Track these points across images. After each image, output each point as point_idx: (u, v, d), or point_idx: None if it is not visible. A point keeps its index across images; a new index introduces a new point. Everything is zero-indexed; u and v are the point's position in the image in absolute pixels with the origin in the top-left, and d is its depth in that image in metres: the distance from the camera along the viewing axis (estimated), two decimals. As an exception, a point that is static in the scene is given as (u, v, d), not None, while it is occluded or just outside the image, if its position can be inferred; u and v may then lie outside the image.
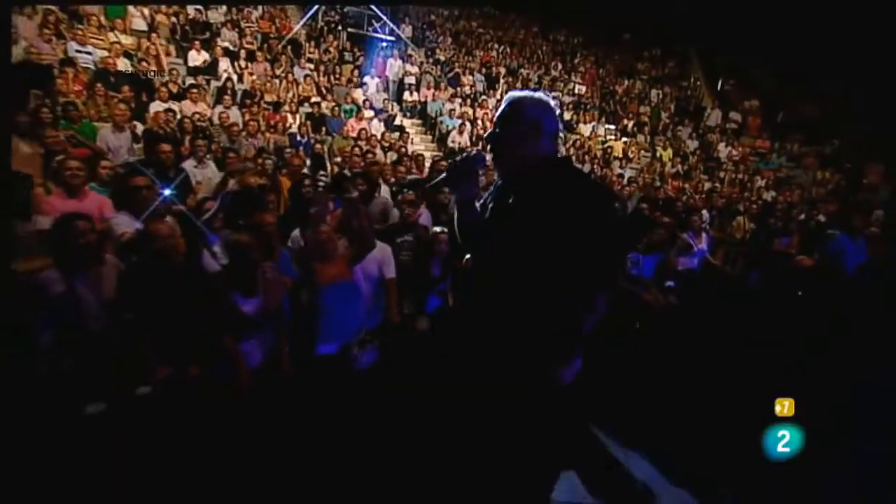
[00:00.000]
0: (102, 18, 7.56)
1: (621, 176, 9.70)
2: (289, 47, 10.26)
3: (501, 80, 12.26)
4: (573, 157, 10.08)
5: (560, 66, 13.59)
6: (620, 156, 11.19)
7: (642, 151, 11.70)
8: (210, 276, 2.47)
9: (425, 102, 10.60)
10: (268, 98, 8.28)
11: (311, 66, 10.07)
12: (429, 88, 10.78)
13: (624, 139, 11.90)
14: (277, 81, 8.94)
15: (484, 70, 12.27)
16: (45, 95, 5.28)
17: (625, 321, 3.89)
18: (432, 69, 11.45)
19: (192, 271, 2.45)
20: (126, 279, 2.45)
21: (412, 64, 11.40)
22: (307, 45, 10.72)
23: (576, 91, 12.97)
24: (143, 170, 4.17)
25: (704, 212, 6.50)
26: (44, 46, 6.23)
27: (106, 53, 6.96)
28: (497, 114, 1.71)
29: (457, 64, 11.95)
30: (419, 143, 9.81)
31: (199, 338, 2.37)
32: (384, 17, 12.10)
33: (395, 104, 10.27)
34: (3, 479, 1.90)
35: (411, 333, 3.11)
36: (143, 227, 2.62)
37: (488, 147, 1.74)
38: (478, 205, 1.70)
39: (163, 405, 2.30)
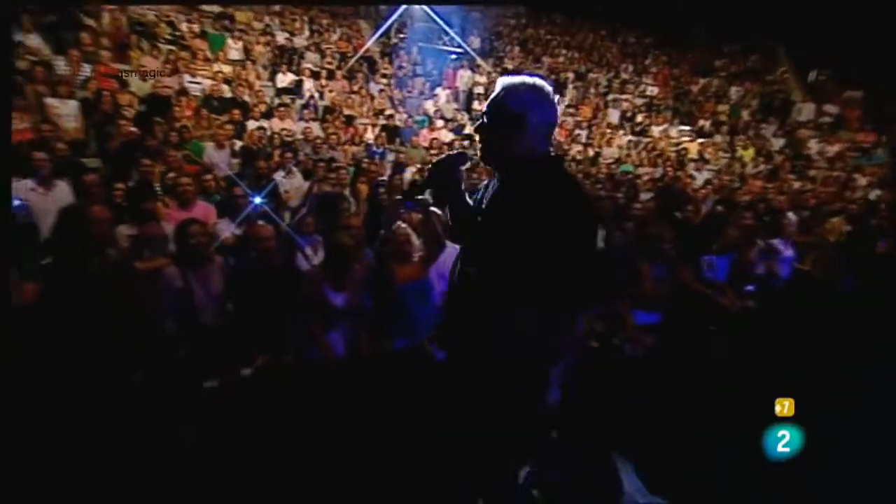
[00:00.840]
0: (208, 52, 8.54)
1: (692, 177, 9.28)
2: (364, 64, 10.92)
3: (570, 86, 12.20)
4: (643, 160, 9.82)
5: (631, 68, 13.25)
6: (696, 157, 10.70)
7: (720, 152, 11.10)
8: (303, 274, 2.80)
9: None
10: (346, 112, 8.87)
11: (385, 81, 10.64)
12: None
13: (700, 140, 11.36)
14: (355, 97, 9.55)
15: (552, 76, 12.26)
16: (166, 122, 6.10)
17: (700, 324, 3.81)
18: (500, 78, 11.64)
19: (288, 269, 2.79)
20: (231, 276, 2.85)
21: (481, 74, 11.67)
22: (381, 61, 11.34)
23: (647, 93, 12.59)
24: (240, 182, 4.74)
25: (791, 214, 6.11)
26: (165, 80, 7.19)
27: (211, 82, 7.85)
28: (487, 101, 1.55)
29: (525, 71, 12.04)
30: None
31: (292, 328, 2.70)
32: (451, 31, 12.52)
33: (464, 114, 10.57)
34: (138, 445, 2.27)
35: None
36: (245, 230, 3.03)
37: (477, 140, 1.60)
38: (471, 201, 1.61)
39: (262, 386, 2.65)
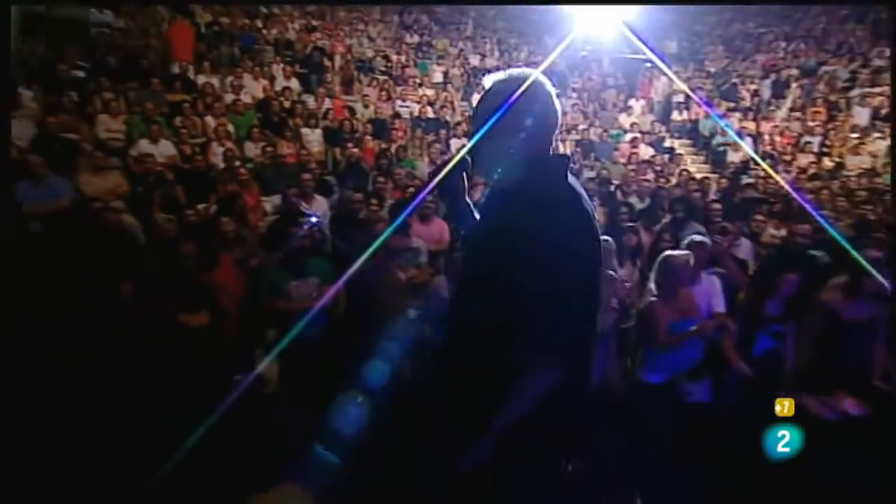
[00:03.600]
0: (417, 78, 9.41)
1: None
2: (553, 79, 10.86)
3: (793, 84, 10.41)
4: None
5: (887, 52, 10.70)
6: None
7: None
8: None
9: (696, 120, 9.77)
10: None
11: (576, 95, 10.43)
12: (711, 105, 9.91)
13: None
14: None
15: (768, 77, 10.63)
16: (386, 143, 6.84)
17: None
18: (704, 83, 10.51)
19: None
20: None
21: (680, 81, 10.69)
22: (570, 75, 11.17)
23: (911, 85, 10.03)
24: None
25: None
26: (383, 106, 8.09)
27: (418, 105, 8.59)
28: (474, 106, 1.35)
29: (734, 73, 10.69)
30: (690, 165, 9.08)
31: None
32: (639, 38, 11.74)
33: (662, 125, 9.79)
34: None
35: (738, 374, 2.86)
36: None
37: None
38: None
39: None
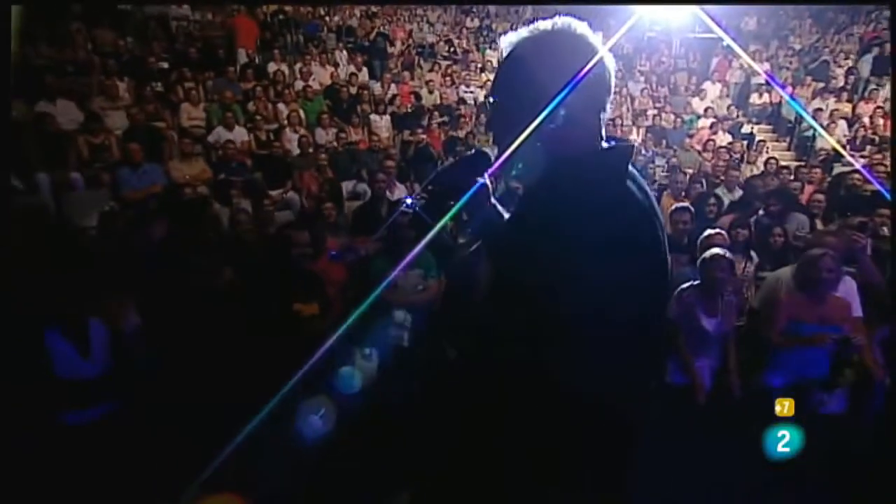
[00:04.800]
0: (479, 63, 9.22)
1: None
2: (620, 62, 10.38)
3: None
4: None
5: None
6: None
7: None
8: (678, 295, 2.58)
9: (779, 104, 9.07)
10: (608, 115, 8.52)
11: (643, 79, 9.92)
12: (785, 87, 9.19)
13: None
14: (614, 97, 9.12)
15: (873, 50, 9.63)
16: (451, 128, 6.75)
17: None
18: (789, 62, 9.72)
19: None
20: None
21: (759, 62, 9.94)
22: (637, 57, 10.63)
23: None
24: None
25: None
26: (447, 91, 7.99)
27: (482, 90, 8.42)
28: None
29: (826, 49, 9.81)
30: (771, 153, 8.45)
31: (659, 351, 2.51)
32: (711, 18, 10.96)
33: (738, 109, 9.15)
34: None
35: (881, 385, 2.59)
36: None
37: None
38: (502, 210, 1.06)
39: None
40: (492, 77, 0.97)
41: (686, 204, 3.61)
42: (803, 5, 11.45)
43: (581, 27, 0.88)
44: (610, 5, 10.03)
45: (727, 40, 9.36)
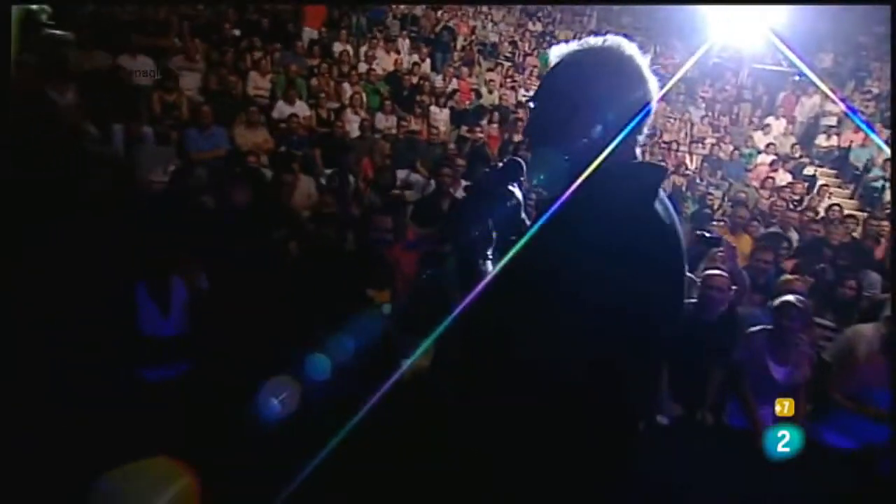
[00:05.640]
0: (537, 68, 9.15)
1: None
2: (682, 86, 10.14)
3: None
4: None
5: None
6: None
7: None
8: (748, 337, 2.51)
9: (847, 148, 8.72)
10: (666, 138, 8.35)
11: (704, 106, 9.69)
12: (856, 132, 8.82)
13: None
14: (673, 121, 8.94)
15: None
16: (507, 131, 6.72)
17: None
18: (865, 106, 9.33)
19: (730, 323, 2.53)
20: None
21: (832, 101, 9.57)
22: (701, 83, 10.37)
23: None
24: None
25: None
26: (507, 93, 7.96)
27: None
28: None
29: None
30: (833, 199, 8.14)
31: (719, 390, 2.45)
32: (787, 48, 10.59)
33: (803, 149, 8.83)
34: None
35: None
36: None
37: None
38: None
39: (672, 439, 2.46)
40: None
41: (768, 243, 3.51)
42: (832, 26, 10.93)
43: (630, 48, 0.90)
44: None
45: (805, 70, 9.04)
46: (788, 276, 2.72)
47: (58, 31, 4.82)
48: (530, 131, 1.00)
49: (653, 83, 0.91)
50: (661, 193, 0.90)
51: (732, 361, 2.43)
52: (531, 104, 0.97)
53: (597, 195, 0.83)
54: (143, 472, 1.65)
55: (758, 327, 2.45)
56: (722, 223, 5.25)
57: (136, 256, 1.89)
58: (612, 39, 0.91)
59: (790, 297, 2.45)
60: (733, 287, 2.54)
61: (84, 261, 1.57)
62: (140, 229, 2.00)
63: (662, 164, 0.93)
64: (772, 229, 4.61)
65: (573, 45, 0.93)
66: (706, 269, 2.74)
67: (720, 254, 2.83)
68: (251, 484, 1.62)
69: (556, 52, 0.94)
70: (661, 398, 2.49)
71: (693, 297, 2.49)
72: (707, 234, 2.96)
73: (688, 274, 0.94)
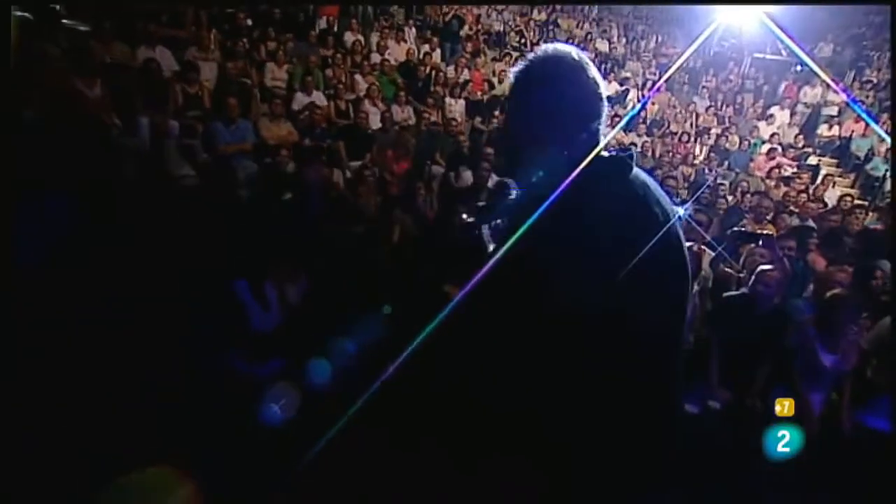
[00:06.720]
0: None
1: None
2: (686, 76, 10.22)
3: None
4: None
5: None
6: None
7: None
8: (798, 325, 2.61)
9: (849, 138, 8.88)
10: (673, 128, 8.44)
11: (708, 96, 9.77)
12: (857, 121, 8.98)
13: None
14: (678, 111, 9.02)
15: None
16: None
17: None
18: (865, 96, 9.47)
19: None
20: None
21: (833, 91, 9.70)
22: (704, 73, 10.45)
23: None
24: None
25: None
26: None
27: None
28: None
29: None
30: (837, 188, 8.30)
31: (767, 378, 2.55)
32: (785, 37, 10.67)
33: (806, 139, 8.98)
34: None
35: None
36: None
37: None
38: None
39: (717, 424, 2.57)
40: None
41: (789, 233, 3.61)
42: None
43: (566, 50, 0.99)
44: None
45: (806, 60, 9.16)
46: (833, 269, 2.82)
47: (76, 24, 4.73)
48: (507, 142, 1.08)
49: (595, 81, 0.99)
50: (644, 178, 0.98)
51: (781, 350, 2.54)
52: (501, 117, 1.09)
53: (574, 193, 0.90)
54: (145, 482, 1.71)
55: (807, 316, 2.55)
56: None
57: (239, 256, 1.92)
58: (555, 48, 1.00)
59: (840, 290, 2.57)
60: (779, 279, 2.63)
61: (199, 262, 1.60)
62: (239, 230, 2.03)
63: (624, 152, 0.99)
64: (800, 223, 4.72)
65: (521, 63, 1.03)
66: (747, 261, 2.83)
67: (759, 248, 2.92)
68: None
69: (512, 72, 1.04)
70: (711, 384, 2.60)
71: (743, 291, 2.58)
72: (743, 230, 3.04)
73: (686, 254, 0.99)
